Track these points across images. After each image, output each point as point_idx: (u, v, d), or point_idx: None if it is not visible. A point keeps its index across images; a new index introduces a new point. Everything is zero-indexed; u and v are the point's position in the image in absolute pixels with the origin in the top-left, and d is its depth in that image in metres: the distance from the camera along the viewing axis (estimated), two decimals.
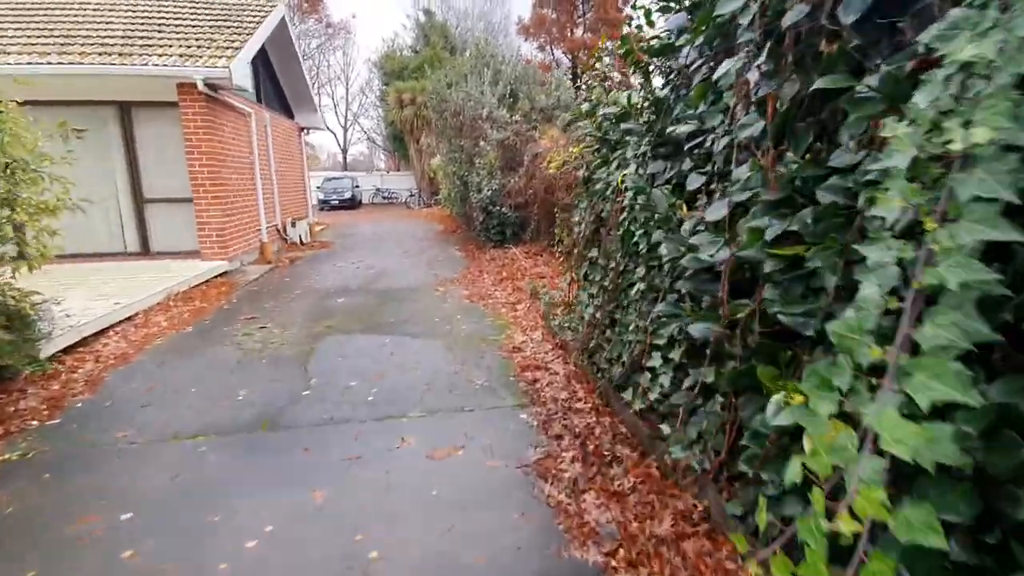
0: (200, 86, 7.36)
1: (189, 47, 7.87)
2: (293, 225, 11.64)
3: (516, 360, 4.26)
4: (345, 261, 9.48)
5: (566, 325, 4.42)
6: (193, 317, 5.71)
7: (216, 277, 7.68)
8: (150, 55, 7.51)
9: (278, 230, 11.07)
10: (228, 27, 8.71)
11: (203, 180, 7.88)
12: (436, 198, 21.89)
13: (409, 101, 23.83)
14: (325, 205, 24.55)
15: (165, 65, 7.31)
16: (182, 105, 7.59)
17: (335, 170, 37.24)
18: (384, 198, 28.68)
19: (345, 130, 40.39)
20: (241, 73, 7.75)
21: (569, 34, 39.27)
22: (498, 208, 9.53)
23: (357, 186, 27.08)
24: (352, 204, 25.16)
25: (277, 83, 12.41)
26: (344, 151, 41.14)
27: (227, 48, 7.93)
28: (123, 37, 7.95)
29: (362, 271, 8.44)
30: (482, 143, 10.29)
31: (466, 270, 8.32)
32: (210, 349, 4.68)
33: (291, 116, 13.40)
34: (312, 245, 11.76)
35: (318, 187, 25.28)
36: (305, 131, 14.42)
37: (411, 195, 26.18)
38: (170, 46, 7.83)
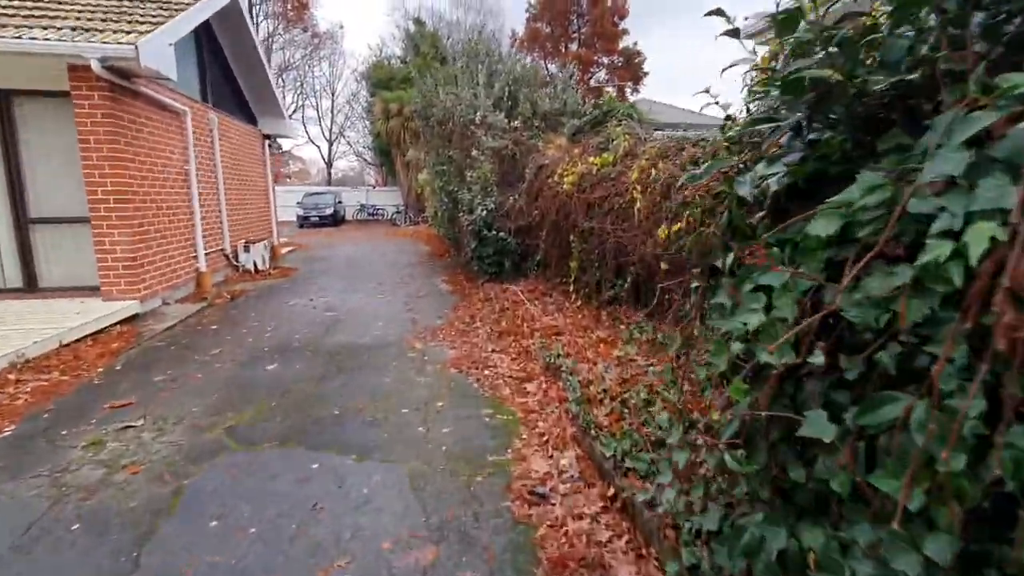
0: (96, 68, 5.44)
1: (91, 19, 5.97)
2: (246, 249, 9.64)
3: (540, 531, 2.32)
4: (302, 297, 7.50)
5: (626, 462, 2.48)
6: (30, 404, 3.70)
7: (117, 324, 5.69)
8: (32, 27, 5.60)
9: (226, 256, 9.08)
10: (155, 0, 6.84)
11: (105, 194, 5.92)
12: (424, 215, 20.04)
13: (396, 112, 22.14)
14: (305, 222, 22.67)
15: (47, 40, 5.39)
16: (75, 94, 5.66)
17: (324, 185, 35.30)
18: (369, 215, 26.79)
19: (330, 143, 38.53)
20: (160, 55, 5.84)
21: (563, 48, 38.05)
22: (494, 233, 7.64)
23: (340, 202, 25.29)
24: (334, 221, 23.31)
25: (234, 82, 10.51)
26: (329, 165, 39.19)
27: (142, 23, 6.04)
28: (5, 5, 6.04)
29: (318, 314, 6.47)
30: (475, 152, 8.44)
31: (454, 313, 6.40)
32: (3, 488, 2.70)
33: (253, 122, 11.49)
34: (270, 273, 9.76)
35: (298, 203, 23.45)
36: (271, 140, 12.50)
37: (397, 212, 24.41)
38: (64, 18, 5.93)
